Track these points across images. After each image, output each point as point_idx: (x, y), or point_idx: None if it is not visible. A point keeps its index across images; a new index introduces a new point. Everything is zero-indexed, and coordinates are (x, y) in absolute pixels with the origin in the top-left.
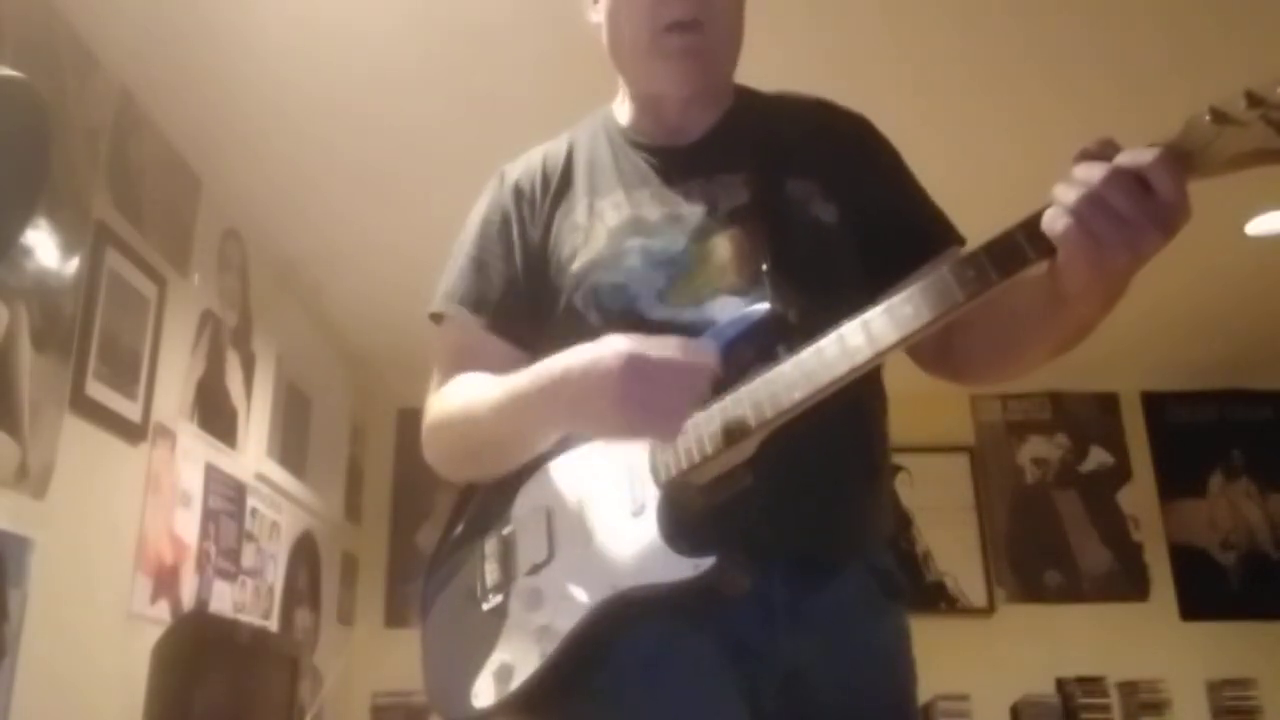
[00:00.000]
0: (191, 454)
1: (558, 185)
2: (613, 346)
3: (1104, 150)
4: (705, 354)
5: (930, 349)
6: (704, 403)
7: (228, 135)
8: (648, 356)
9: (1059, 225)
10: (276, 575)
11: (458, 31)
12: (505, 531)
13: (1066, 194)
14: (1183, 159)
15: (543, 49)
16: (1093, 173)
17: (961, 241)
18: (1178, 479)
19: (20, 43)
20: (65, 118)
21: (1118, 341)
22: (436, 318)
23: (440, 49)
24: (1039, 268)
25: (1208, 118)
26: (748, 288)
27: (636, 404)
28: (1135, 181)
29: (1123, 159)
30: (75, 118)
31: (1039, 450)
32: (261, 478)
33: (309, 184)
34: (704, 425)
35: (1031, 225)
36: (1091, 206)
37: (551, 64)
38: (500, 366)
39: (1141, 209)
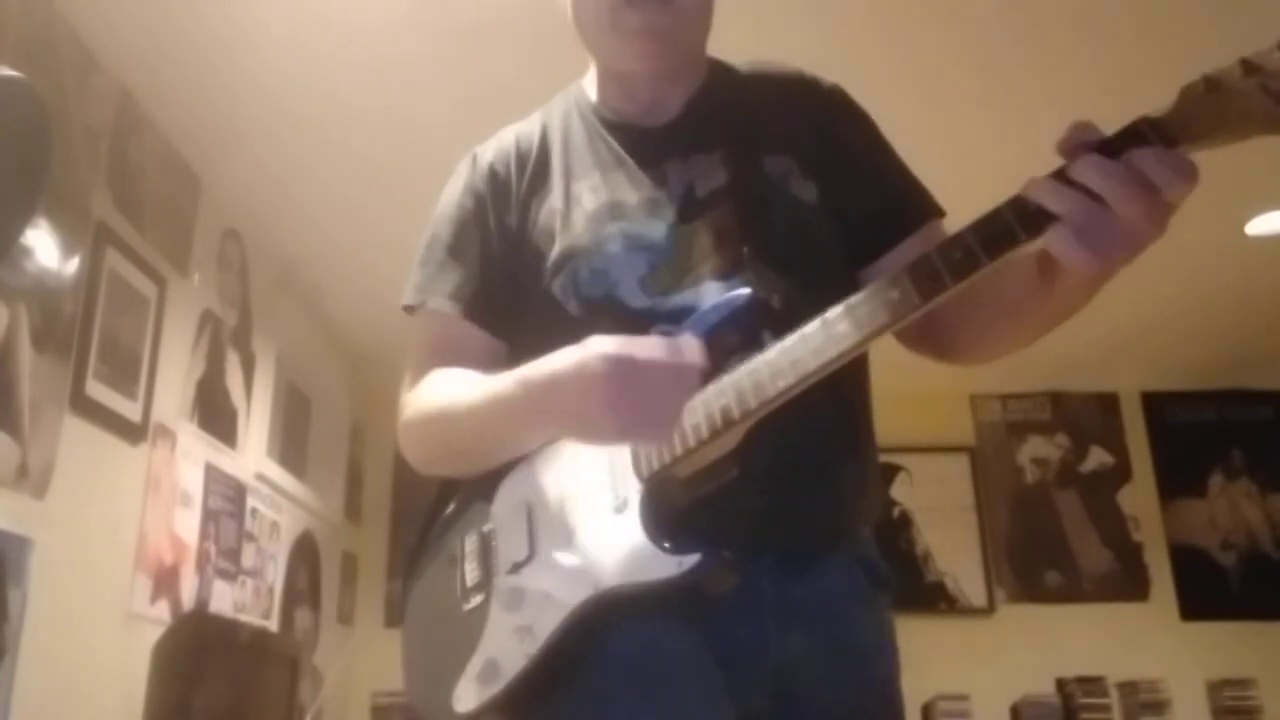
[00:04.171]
0: (191, 454)
1: (533, 167)
2: (598, 350)
3: (1083, 136)
4: (691, 352)
5: (912, 327)
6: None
7: (228, 135)
8: (635, 360)
9: (1072, 245)
10: (276, 575)
11: (460, 29)
12: (485, 528)
13: (1059, 200)
14: (1184, 130)
15: (547, 44)
16: (1086, 174)
17: (941, 214)
18: (1178, 479)
19: (20, 43)
20: (65, 117)
21: (1118, 341)
22: (410, 309)
23: (442, 47)
24: (1028, 247)
25: (1203, 87)
26: (730, 272)
27: (627, 409)
28: (1148, 189)
29: (1140, 165)
30: (75, 117)
31: (1039, 450)
32: (261, 478)
33: (309, 184)
34: (687, 417)
35: (1020, 205)
36: (1087, 210)
37: (557, 59)
38: (478, 356)
39: (1149, 214)
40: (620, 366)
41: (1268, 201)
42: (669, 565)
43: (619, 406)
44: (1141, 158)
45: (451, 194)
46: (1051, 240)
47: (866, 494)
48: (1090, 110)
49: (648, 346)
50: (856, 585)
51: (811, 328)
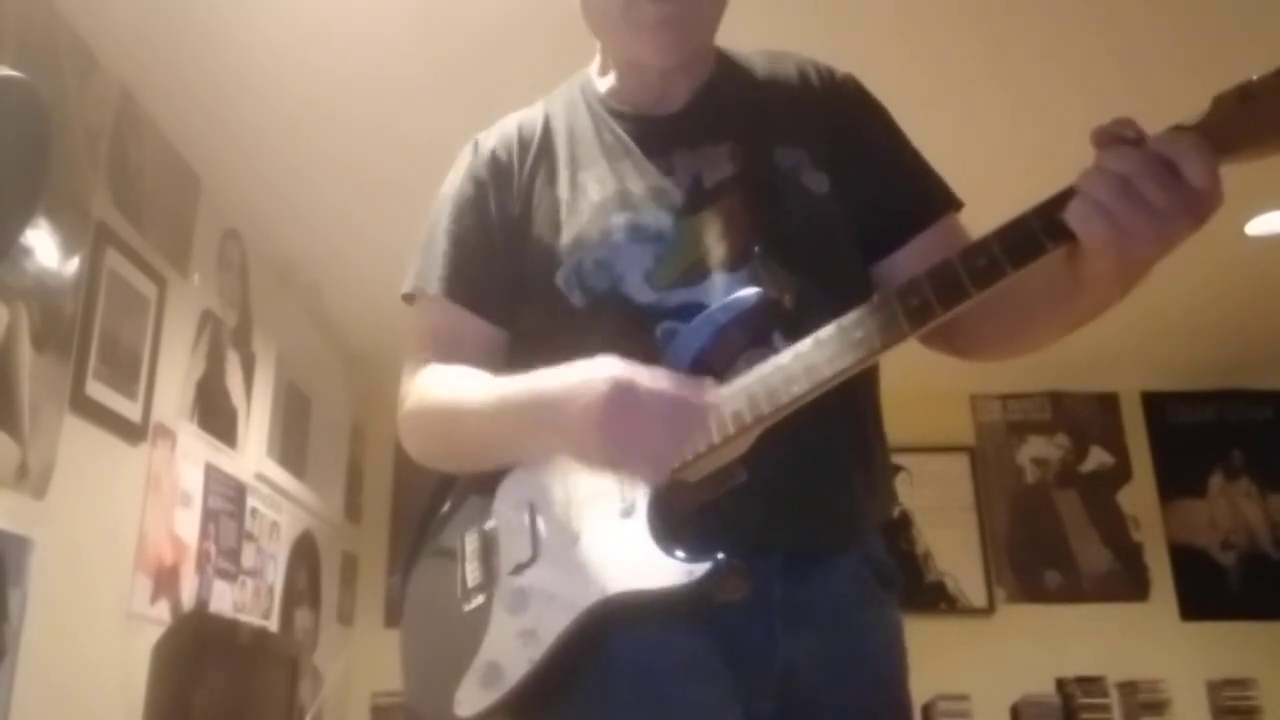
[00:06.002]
0: (191, 454)
1: (536, 155)
2: (604, 372)
3: (1123, 131)
4: (704, 394)
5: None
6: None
7: (228, 135)
8: (638, 389)
9: (1087, 218)
10: (276, 575)
11: (457, 32)
12: (487, 526)
13: (1095, 185)
14: (1215, 141)
15: (543, 49)
16: (1123, 162)
17: (959, 206)
18: (1178, 479)
19: (20, 43)
20: (65, 118)
21: (1118, 341)
22: (408, 297)
23: (440, 50)
24: (1054, 255)
25: (1237, 97)
26: (738, 265)
27: (619, 438)
28: (1168, 170)
29: (1157, 146)
30: (75, 118)
31: (1039, 450)
32: (261, 478)
33: (309, 184)
34: None
35: (1046, 213)
36: (1123, 198)
37: (552, 64)
38: (477, 345)
39: (1174, 199)
40: (621, 391)
41: (1268, 201)
42: (679, 573)
43: (611, 433)
44: (1161, 140)
45: (453, 181)
46: (1072, 213)
47: (876, 495)
48: (1116, 109)
49: (659, 378)
50: (864, 586)
51: (826, 333)
